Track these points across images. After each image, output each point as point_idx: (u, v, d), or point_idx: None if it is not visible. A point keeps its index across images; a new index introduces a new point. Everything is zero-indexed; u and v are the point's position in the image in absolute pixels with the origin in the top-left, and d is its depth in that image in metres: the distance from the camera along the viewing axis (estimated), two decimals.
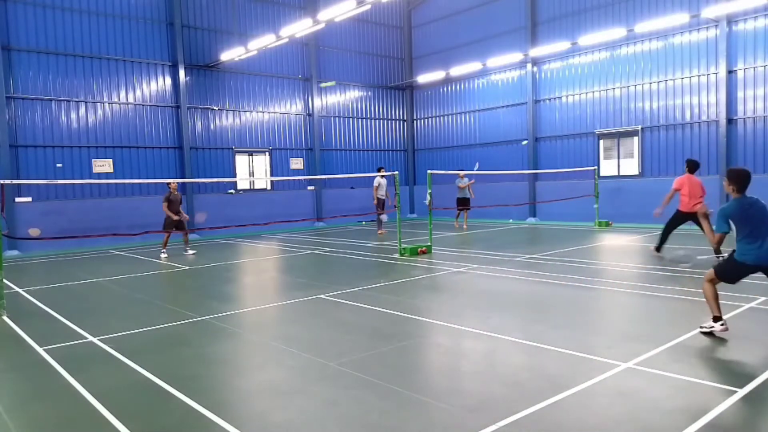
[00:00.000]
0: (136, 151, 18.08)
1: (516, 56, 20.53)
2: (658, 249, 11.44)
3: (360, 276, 10.36)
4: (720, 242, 5.74)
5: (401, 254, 12.65)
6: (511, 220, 21.05)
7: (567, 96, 20.25)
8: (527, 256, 12.06)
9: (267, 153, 21.22)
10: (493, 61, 21.21)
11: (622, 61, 18.69)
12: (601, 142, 19.49)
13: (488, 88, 22.80)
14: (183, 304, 8.76)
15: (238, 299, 9.19)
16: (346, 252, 13.87)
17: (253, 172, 21.00)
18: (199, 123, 19.51)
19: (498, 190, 21.04)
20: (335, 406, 4.44)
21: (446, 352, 5.90)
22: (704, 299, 5.96)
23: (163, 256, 13.81)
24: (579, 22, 19.46)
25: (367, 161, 24.34)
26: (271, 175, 21.20)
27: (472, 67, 21.80)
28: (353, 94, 24.03)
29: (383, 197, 18.06)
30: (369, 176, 21.26)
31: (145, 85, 18.33)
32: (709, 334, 5.80)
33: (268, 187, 21.44)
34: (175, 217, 13.74)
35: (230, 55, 18.32)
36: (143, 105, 18.27)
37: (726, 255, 6.07)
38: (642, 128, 18.29)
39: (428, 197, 13.51)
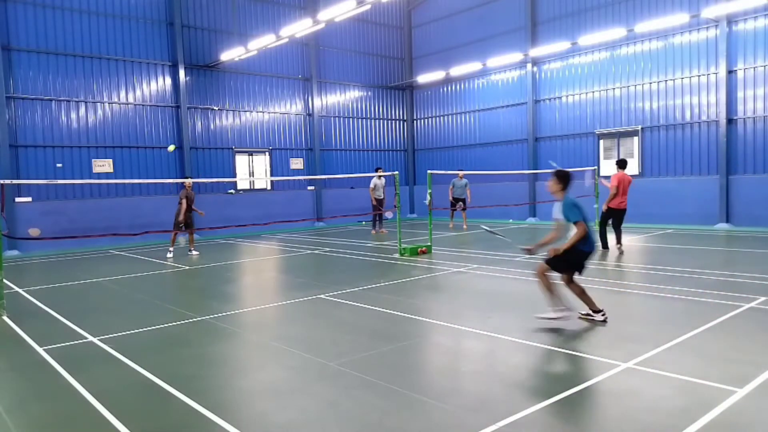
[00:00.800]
0: (136, 151, 18.08)
1: (516, 56, 20.54)
2: (606, 246, 12.36)
3: (360, 276, 10.36)
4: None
5: (401, 254, 12.65)
6: (511, 220, 21.04)
7: (567, 96, 20.26)
8: (527, 256, 12.05)
9: (267, 153, 21.22)
10: (493, 61, 21.22)
11: (622, 61, 18.69)
12: (601, 142, 19.49)
13: (488, 88, 22.80)
14: (183, 304, 8.76)
15: (238, 299, 9.19)
16: (346, 252, 13.87)
17: (253, 172, 21.00)
18: (199, 123, 19.52)
19: (498, 190, 21.04)
20: (336, 407, 4.44)
21: (446, 352, 5.90)
22: (575, 297, 6.69)
23: (169, 255, 13.76)
24: (579, 22, 19.47)
25: (367, 161, 24.35)
26: (271, 175, 21.20)
27: (472, 67, 21.81)
28: (353, 94, 24.03)
29: (380, 197, 18.06)
30: (369, 176, 21.28)
31: (145, 85, 18.34)
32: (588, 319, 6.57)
33: (268, 187, 21.44)
34: (182, 217, 13.69)
35: (230, 55, 18.32)
36: (143, 105, 18.27)
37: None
38: (642, 128, 18.30)
39: (428, 197, 13.51)
